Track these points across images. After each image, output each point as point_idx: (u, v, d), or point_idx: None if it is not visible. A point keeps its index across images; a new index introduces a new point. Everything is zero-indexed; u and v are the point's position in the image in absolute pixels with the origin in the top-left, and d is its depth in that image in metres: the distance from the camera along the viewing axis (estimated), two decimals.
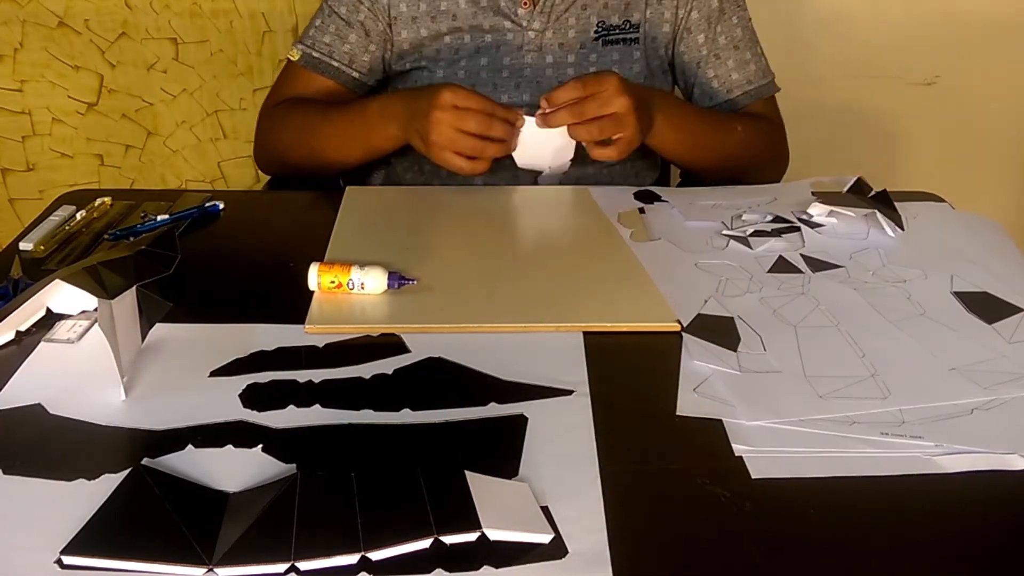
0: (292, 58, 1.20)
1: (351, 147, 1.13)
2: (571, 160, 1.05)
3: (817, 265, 0.90)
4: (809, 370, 0.73)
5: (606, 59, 1.18)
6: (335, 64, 1.19)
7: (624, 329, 0.79)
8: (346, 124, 1.12)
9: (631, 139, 1.02)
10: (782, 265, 0.90)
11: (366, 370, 0.73)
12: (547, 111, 1.00)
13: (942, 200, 1.07)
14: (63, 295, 0.79)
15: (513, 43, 1.17)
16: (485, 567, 0.53)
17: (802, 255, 0.92)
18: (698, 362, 0.74)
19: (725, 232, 0.97)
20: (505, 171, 1.17)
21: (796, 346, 0.76)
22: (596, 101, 0.99)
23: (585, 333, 0.78)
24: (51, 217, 0.99)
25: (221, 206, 1.03)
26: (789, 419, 0.67)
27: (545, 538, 0.55)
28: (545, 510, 0.58)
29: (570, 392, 0.70)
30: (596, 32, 1.17)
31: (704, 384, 0.71)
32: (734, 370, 0.73)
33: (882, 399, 0.69)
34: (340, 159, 1.15)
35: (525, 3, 1.15)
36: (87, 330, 0.77)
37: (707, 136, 1.15)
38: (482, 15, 1.16)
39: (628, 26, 1.18)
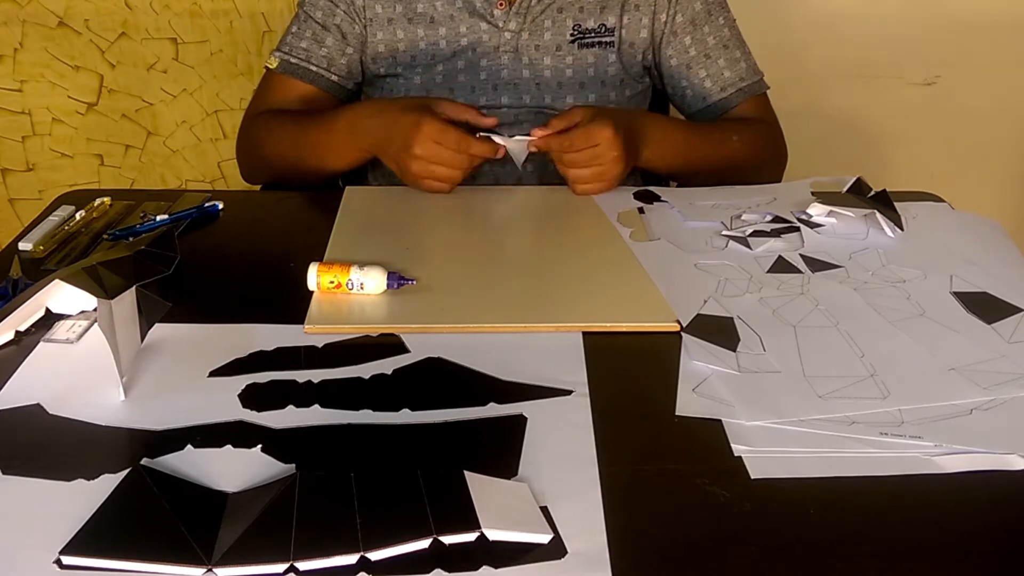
0: (270, 66, 1.19)
1: (328, 160, 1.11)
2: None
3: (816, 265, 0.90)
4: (808, 370, 0.73)
5: (582, 62, 1.18)
6: (313, 68, 1.18)
7: (623, 329, 0.79)
8: (318, 138, 1.11)
9: (613, 179, 1.04)
10: (781, 265, 0.90)
11: (365, 370, 0.73)
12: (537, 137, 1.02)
13: (942, 200, 1.07)
14: (62, 295, 0.79)
15: (489, 44, 1.17)
16: (484, 567, 0.53)
17: (801, 255, 0.92)
18: (698, 362, 0.74)
19: (725, 232, 0.97)
20: (508, 173, 1.18)
21: (795, 346, 0.76)
22: (585, 155, 1.02)
23: (584, 333, 0.78)
24: (50, 217, 0.99)
25: (220, 206, 1.03)
26: (788, 419, 0.67)
27: (544, 538, 0.55)
28: (544, 510, 0.58)
29: (569, 392, 0.70)
30: (572, 35, 1.18)
31: (703, 384, 0.71)
32: (733, 370, 0.73)
33: (881, 399, 0.69)
34: (321, 170, 1.14)
35: (501, 4, 1.16)
36: (86, 330, 0.77)
37: (701, 153, 1.14)
38: (459, 16, 1.16)
39: (603, 29, 1.18)
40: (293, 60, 1.18)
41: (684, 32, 1.19)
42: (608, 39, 1.19)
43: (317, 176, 1.15)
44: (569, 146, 1.01)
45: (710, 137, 1.17)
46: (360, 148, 1.08)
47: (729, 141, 1.16)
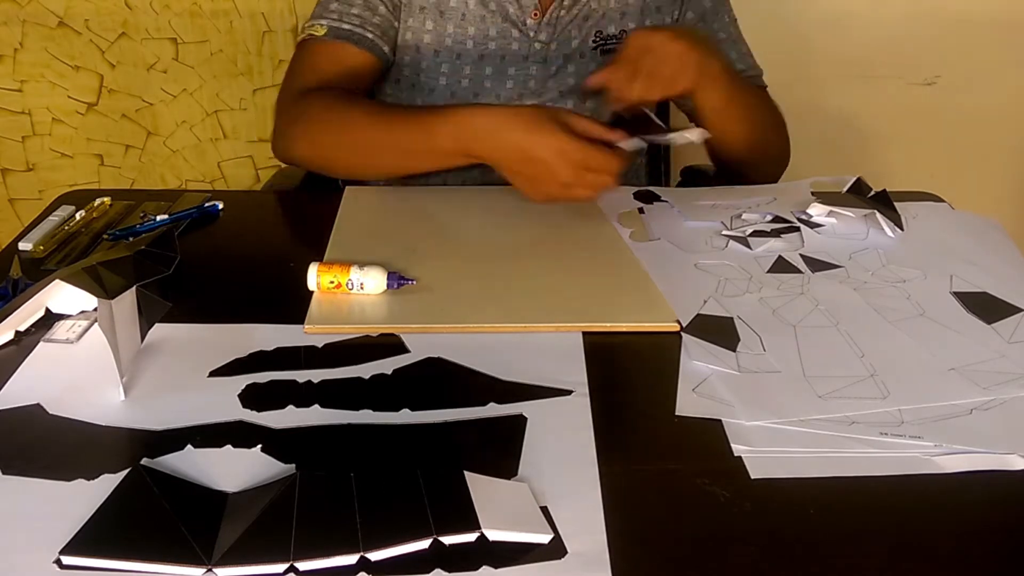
0: (316, 33, 1.10)
1: (415, 161, 1.01)
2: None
3: (816, 265, 0.90)
4: (808, 370, 0.73)
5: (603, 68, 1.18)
6: (369, 36, 1.10)
7: (623, 329, 0.79)
8: (408, 138, 0.99)
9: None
10: (781, 265, 0.90)
11: (365, 370, 0.73)
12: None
13: (942, 200, 1.07)
14: (62, 295, 0.79)
15: (519, 53, 1.16)
16: (484, 567, 0.53)
17: (801, 255, 0.92)
18: (698, 362, 0.74)
19: (725, 232, 0.97)
20: None
21: (795, 346, 0.76)
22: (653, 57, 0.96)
23: (584, 333, 0.78)
24: (50, 217, 0.99)
25: (220, 206, 1.03)
26: (788, 419, 0.67)
27: (544, 538, 0.55)
28: (544, 510, 0.58)
29: (569, 392, 0.70)
30: (594, 41, 1.17)
31: (703, 384, 0.71)
32: (733, 370, 0.73)
33: (881, 399, 0.69)
34: (399, 170, 1.04)
35: (535, 14, 1.14)
36: (86, 330, 0.77)
37: (750, 106, 1.12)
38: (490, 19, 1.15)
39: (624, 35, 1.18)
40: (346, 26, 1.10)
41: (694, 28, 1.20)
42: None
43: (385, 175, 1.07)
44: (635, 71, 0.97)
45: (755, 91, 1.18)
46: (467, 154, 0.96)
47: (768, 102, 1.18)
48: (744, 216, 1.00)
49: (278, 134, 1.09)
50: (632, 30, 1.17)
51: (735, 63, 1.20)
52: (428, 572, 0.53)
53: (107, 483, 0.59)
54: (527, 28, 1.15)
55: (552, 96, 1.18)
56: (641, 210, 1.03)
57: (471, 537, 0.54)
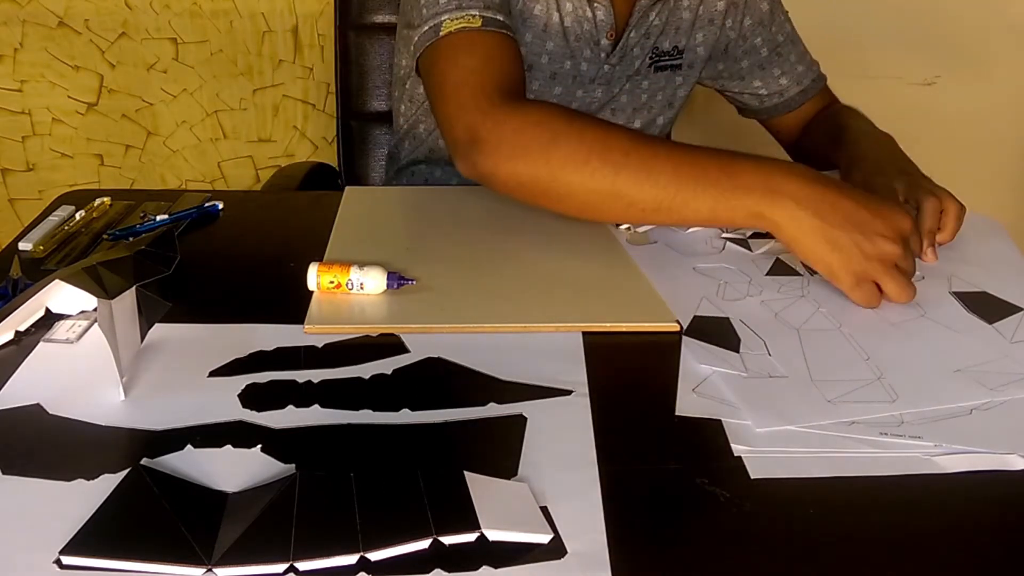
0: (472, 24, 0.94)
1: (698, 212, 0.84)
2: None
3: None
4: (815, 374, 0.72)
5: (655, 85, 1.18)
6: (510, 26, 0.97)
7: (623, 329, 0.79)
8: (706, 185, 0.82)
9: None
10: (780, 267, 0.90)
11: (365, 370, 0.73)
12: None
13: None
14: (62, 295, 0.79)
15: (587, 75, 1.14)
16: (484, 567, 0.53)
17: None
18: (703, 365, 0.73)
19: (724, 235, 0.97)
20: None
21: (800, 350, 0.76)
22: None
23: (584, 333, 0.78)
24: (50, 217, 0.99)
25: (220, 206, 1.03)
26: (800, 425, 0.66)
27: (544, 538, 0.55)
28: (544, 510, 0.58)
29: (569, 392, 0.70)
30: (650, 58, 1.16)
31: (704, 384, 0.71)
32: (740, 372, 0.72)
33: (890, 402, 0.69)
34: (671, 219, 0.86)
35: (610, 34, 1.12)
36: (86, 330, 0.77)
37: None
38: (569, 32, 1.11)
39: (676, 51, 1.17)
40: (500, 17, 0.96)
41: (754, 34, 1.20)
42: (677, 62, 1.18)
43: (619, 220, 0.95)
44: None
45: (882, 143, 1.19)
46: (749, 211, 0.82)
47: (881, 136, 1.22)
48: None
49: (486, 146, 0.87)
50: (683, 46, 1.17)
51: (795, 65, 1.22)
52: (428, 572, 0.53)
53: (107, 483, 0.59)
54: (599, 48, 1.13)
55: (604, 114, 1.17)
56: None
57: (471, 537, 0.54)
